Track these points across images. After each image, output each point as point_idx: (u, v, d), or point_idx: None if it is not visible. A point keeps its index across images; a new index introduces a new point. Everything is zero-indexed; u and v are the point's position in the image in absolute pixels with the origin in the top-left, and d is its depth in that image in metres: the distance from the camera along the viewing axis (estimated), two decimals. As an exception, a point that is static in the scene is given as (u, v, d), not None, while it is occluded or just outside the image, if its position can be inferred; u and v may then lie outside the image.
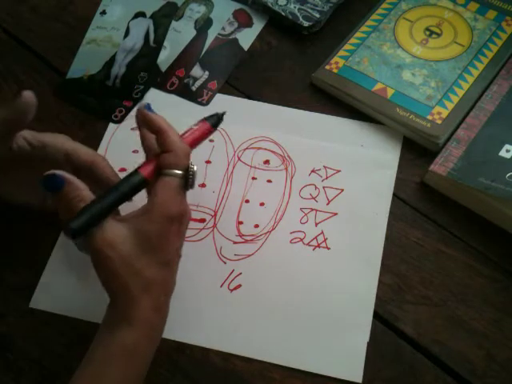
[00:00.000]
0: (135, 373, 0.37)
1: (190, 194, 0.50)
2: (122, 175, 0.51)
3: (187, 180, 0.38)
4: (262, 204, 0.50)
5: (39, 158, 0.42)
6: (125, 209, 0.40)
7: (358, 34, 0.58)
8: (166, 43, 0.60)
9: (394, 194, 0.49)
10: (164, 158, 0.38)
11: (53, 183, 0.36)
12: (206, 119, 0.42)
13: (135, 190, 0.38)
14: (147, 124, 0.39)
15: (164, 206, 0.37)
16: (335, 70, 0.55)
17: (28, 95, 0.38)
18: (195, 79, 0.58)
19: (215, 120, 0.42)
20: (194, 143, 0.41)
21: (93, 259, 0.37)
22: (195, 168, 0.38)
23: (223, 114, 0.42)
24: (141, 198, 0.39)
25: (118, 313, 0.37)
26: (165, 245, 0.37)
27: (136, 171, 0.38)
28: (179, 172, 0.38)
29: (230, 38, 0.60)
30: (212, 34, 0.61)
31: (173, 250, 0.38)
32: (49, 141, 0.42)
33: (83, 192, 0.36)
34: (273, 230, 0.48)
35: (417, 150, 0.52)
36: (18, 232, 0.49)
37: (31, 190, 0.43)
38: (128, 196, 0.38)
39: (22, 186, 0.43)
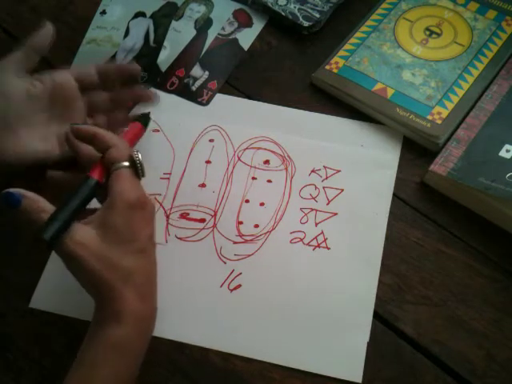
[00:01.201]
0: (127, 369, 0.37)
1: (190, 193, 0.50)
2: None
3: (136, 168, 0.39)
4: (262, 204, 0.50)
5: (53, 92, 0.44)
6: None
7: (358, 34, 0.58)
8: (165, 43, 0.60)
9: (394, 194, 0.49)
10: (108, 155, 0.39)
11: (10, 201, 0.36)
12: (136, 120, 0.46)
13: (92, 194, 0.39)
14: (81, 136, 0.41)
15: (122, 195, 0.38)
16: (335, 70, 0.55)
17: (49, 26, 0.44)
18: (195, 79, 0.58)
19: (144, 119, 0.46)
20: (130, 143, 0.44)
21: (67, 265, 0.37)
22: (140, 155, 0.39)
23: (148, 113, 0.48)
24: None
25: (104, 310, 0.37)
26: (134, 233, 0.38)
27: (87, 176, 0.39)
28: (126, 163, 0.39)
29: (230, 37, 0.60)
30: (212, 34, 0.61)
31: (144, 238, 0.38)
32: (53, 73, 0.45)
33: (41, 203, 0.37)
34: (273, 229, 0.48)
35: (417, 150, 0.52)
36: (18, 232, 0.49)
37: (50, 136, 0.44)
38: (86, 201, 0.39)
39: (41, 133, 0.44)
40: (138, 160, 0.39)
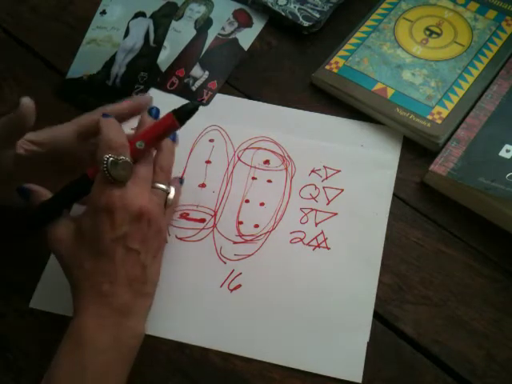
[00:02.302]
0: (85, 362, 0.37)
1: (190, 193, 0.50)
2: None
3: (103, 172, 0.38)
4: (262, 204, 0.50)
5: (53, 155, 0.43)
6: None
7: (358, 34, 0.58)
8: (165, 43, 0.60)
9: (394, 194, 0.49)
10: (96, 153, 0.40)
11: (21, 193, 0.41)
12: (173, 111, 0.40)
13: (81, 190, 0.41)
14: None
15: (92, 199, 0.39)
16: (335, 70, 0.55)
17: (27, 101, 0.39)
18: (195, 79, 0.58)
19: (181, 113, 0.40)
20: (148, 136, 0.40)
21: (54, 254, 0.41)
22: (109, 159, 0.38)
23: (191, 104, 0.41)
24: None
25: (73, 304, 0.39)
26: (97, 236, 0.38)
27: (84, 173, 0.41)
28: (102, 165, 0.38)
29: (230, 37, 0.60)
30: (212, 34, 0.61)
31: (107, 241, 0.38)
32: (55, 131, 0.44)
33: (46, 195, 0.41)
34: (273, 229, 0.48)
35: (417, 149, 0.52)
36: (18, 232, 0.49)
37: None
38: (75, 194, 0.41)
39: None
40: (105, 164, 0.38)
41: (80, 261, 0.39)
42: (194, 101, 0.42)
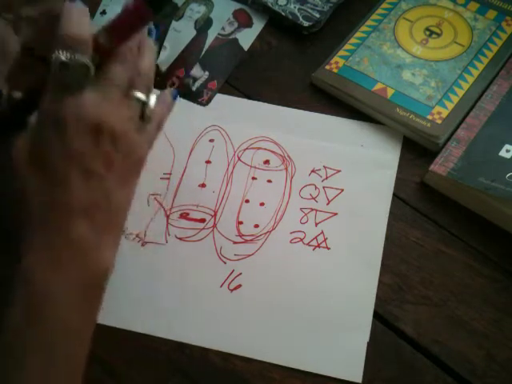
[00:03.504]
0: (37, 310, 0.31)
1: (190, 194, 0.50)
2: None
3: (53, 76, 0.32)
4: (262, 204, 0.50)
5: None
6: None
7: (358, 34, 0.58)
8: (165, 43, 0.60)
9: (394, 194, 0.49)
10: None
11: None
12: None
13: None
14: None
15: (40, 109, 0.33)
16: (335, 70, 0.55)
17: None
18: (195, 79, 0.58)
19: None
20: (116, 28, 0.33)
21: None
22: (59, 58, 0.31)
23: None
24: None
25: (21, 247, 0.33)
26: (46, 155, 0.32)
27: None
28: (52, 67, 0.32)
29: (230, 38, 0.60)
30: (212, 34, 0.61)
31: (58, 161, 0.32)
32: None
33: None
34: (273, 230, 0.48)
35: (417, 149, 0.52)
36: (17, 232, 0.49)
37: None
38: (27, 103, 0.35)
39: None
40: (54, 65, 0.31)
41: (29, 185, 0.32)
42: None
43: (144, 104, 0.35)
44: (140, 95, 0.35)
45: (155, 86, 0.58)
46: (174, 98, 0.40)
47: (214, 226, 0.49)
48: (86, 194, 0.32)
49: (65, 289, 0.32)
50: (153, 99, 0.36)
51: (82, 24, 0.32)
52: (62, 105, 0.32)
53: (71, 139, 0.32)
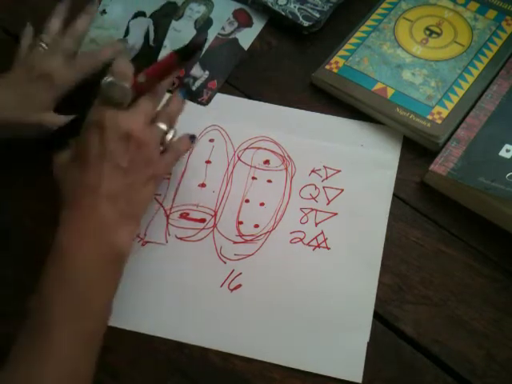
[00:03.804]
0: (66, 276, 0.37)
1: (190, 194, 0.50)
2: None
3: (101, 92, 0.42)
4: (261, 204, 0.50)
5: None
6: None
7: (358, 34, 0.58)
8: (165, 43, 0.60)
9: (394, 194, 0.49)
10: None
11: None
12: (175, 51, 0.43)
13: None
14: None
15: (88, 117, 0.42)
16: (335, 70, 0.55)
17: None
18: (195, 79, 0.58)
19: (182, 53, 0.43)
20: (150, 72, 0.43)
21: None
22: (107, 79, 0.42)
23: (195, 46, 0.43)
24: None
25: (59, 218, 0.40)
26: (86, 149, 0.41)
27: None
28: (101, 85, 0.42)
29: (230, 37, 0.60)
30: (212, 34, 0.61)
31: (94, 154, 0.40)
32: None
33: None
34: (273, 229, 0.48)
35: (417, 149, 0.52)
36: (17, 231, 0.49)
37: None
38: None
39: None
40: (104, 84, 0.41)
41: (69, 175, 0.41)
42: (196, 40, 0.45)
43: (165, 133, 0.45)
44: (161, 125, 0.45)
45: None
46: (192, 141, 0.49)
47: (214, 225, 0.49)
48: (113, 183, 0.40)
49: (86, 256, 0.38)
50: (171, 133, 0.46)
51: (127, 63, 0.44)
52: (104, 114, 0.41)
53: (107, 140, 0.40)
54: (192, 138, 0.48)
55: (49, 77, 0.49)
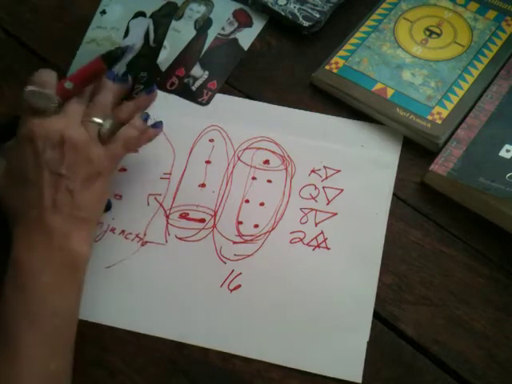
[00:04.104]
0: (23, 284, 0.38)
1: (190, 194, 0.50)
2: (123, 175, 0.51)
3: (24, 102, 0.42)
4: (261, 204, 0.50)
5: None
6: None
7: (358, 34, 0.58)
8: (165, 43, 0.60)
9: (394, 194, 0.49)
10: None
11: None
12: (101, 56, 0.45)
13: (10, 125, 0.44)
14: None
15: (17, 130, 0.42)
16: (335, 70, 0.55)
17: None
18: (195, 79, 0.58)
19: (108, 58, 0.45)
20: (76, 77, 0.44)
21: None
22: (28, 88, 0.42)
23: (121, 52, 0.46)
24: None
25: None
26: (22, 165, 0.41)
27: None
28: (23, 95, 0.42)
29: (230, 37, 0.60)
30: (212, 34, 0.61)
31: (31, 167, 0.40)
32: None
33: None
34: (273, 230, 0.48)
35: (417, 150, 0.52)
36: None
37: None
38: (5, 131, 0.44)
39: None
40: (25, 93, 0.42)
41: (10, 193, 0.41)
42: (122, 47, 0.47)
43: (100, 125, 0.44)
44: (94, 119, 0.44)
45: (156, 86, 0.58)
46: (145, 120, 0.47)
47: (214, 226, 0.49)
48: (54, 191, 0.40)
49: (41, 267, 0.39)
50: (108, 123, 0.44)
51: (49, 76, 0.44)
52: (32, 124, 0.41)
53: (41, 150, 0.40)
54: (144, 117, 0.47)
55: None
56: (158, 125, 0.48)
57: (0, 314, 0.38)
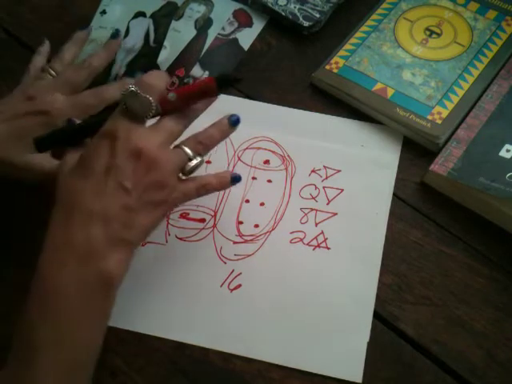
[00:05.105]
0: (48, 305, 0.35)
1: (190, 193, 0.50)
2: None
3: (121, 101, 0.38)
4: (262, 204, 0.50)
5: None
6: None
7: (358, 34, 0.58)
8: (165, 43, 0.60)
9: (394, 194, 0.49)
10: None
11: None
12: (215, 76, 0.40)
13: (98, 120, 0.40)
14: None
15: (104, 125, 0.39)
16: (335, 70, 0.55)
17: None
18: (195, 79, 0.58)
19: (221, 80, 0.40)
20: (182, 91, 0.40)
21: None
22: (130, 89, 0.38)
23: (236, 77, 0.41)
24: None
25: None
26: (89, 157, 0.38)
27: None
28: (122, 95, 0.38)
29: (230, 37, 0.60)
30: (212, 34, 0.60)
31: (101, 166, 0.37)
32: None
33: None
34: (273, 230, 0.48)
35: (417, 149, 0.52)
36: (19, 231, 0.49)
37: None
38: (92, 125, 0.40)
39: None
40: (124, 93, 0.38)
41: (69, 182, 0.38)
42: (237, 72, 0.43)
43: (189, 160, 0.40)
44: (187, 150, 0.40)
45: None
46: (232, 183, 0.44)
47: (214, 225, 0.49)
48: (111, 202, 0.37)
49: (68, 284, 0.35)
50: (196, 161, 0.40)
51: (159, 79, 0.40)
52: (119, 125, 0.38)
53: (116, 154, 0.37)
54: (234, 180, 0.44)
55: (47, 113, 0.47)
56: (236, 178, 0.45)
57: (23, 324, 0.35)
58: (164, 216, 0.41)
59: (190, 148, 0.40)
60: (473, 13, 0.58)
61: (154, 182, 0.38)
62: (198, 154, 0.41)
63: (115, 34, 0.57)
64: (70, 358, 0.35)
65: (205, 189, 0.42)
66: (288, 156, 0.52)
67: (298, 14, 0.59)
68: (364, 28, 0.58)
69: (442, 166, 0.48)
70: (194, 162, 0.40)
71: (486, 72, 0.54)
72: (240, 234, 0.48)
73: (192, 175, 0.41)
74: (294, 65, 0.58)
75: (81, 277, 0.35)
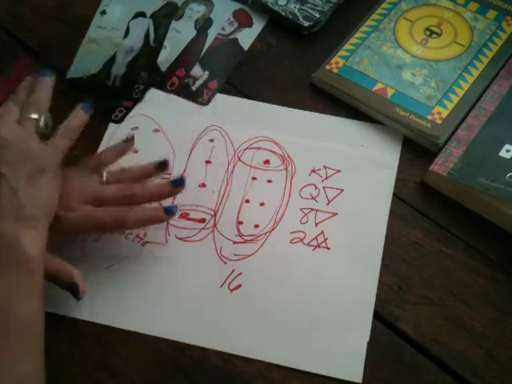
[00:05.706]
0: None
1: (190, 194, 0.50)
2: (122, 175, 0.51)
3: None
4: (261, 204, 0.50)
5: None
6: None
7: (358, 34, 0.58)
8: (165, 43, 0.60)
9: (394, 194, 0.49)
10: None
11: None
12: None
13: None
14: None
15: None
16: (335, 70, 0.55)
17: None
18: (195, 79, 0.58)
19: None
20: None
21: None
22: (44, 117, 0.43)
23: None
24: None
25: None
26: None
27: None
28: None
29: (230, 37, 0.60)
30: (212, 34, 0.61)
31: None
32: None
33: None
34: (273, 230, 0.48)
35: (417, 149, 0.52)
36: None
37: None
38: None
39: None
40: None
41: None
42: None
43: (37, 121, 0.44)
44: (30, 116, 0.43)
45: (156, 86, 0.58)
46: (85, 110, 0.47)
47: (214, 226, 0.49)
48: None
49: None
50: (43, 117, 0.44)
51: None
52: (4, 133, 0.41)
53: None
54: (85, 106, 0.47)
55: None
56: (86, 108, 0.47)
57: None
58: (54, 181, 0.43)
59: (31, 113, 0.44)
60: (473, 13, 0.58)
61: (21, 157, 0.41)
62: (41, 112, 0.44)
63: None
64: (11, 332, 0.37)
65: (68, 133, 0.45)
66: (288, 156, 0.52)
67: (298, 14, 0.59)
68: (364, 28, 0.58)
69: (441, 166, 0.48)
70: (42, 119, 0.44)
71: (486, 72, 0.54)
72: (240, 234, 0.48)
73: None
74: (294, 65, 0.58)
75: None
